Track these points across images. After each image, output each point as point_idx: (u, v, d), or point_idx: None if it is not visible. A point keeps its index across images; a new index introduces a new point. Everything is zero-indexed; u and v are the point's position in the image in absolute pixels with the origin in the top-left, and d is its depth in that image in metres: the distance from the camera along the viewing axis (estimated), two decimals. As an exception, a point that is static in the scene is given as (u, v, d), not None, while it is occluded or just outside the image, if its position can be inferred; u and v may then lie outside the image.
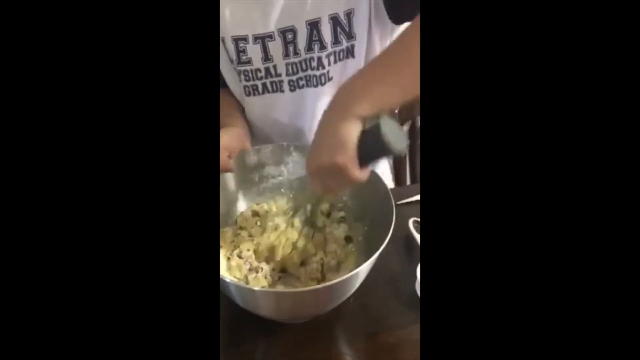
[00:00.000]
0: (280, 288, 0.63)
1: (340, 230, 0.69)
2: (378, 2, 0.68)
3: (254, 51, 0.73)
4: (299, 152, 0.74)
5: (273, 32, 0.71)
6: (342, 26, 0.69)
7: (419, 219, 0.75)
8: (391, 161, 1.07)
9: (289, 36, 0.71)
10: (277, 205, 0.75)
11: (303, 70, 0.74)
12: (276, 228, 0.67)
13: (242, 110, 0.83)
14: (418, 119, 1.04)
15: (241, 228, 0.71)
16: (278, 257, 0.65)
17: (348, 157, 0.49)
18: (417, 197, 0.82)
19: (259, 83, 0.77)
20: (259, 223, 0.72)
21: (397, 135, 0.48)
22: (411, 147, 1.09)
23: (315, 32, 0.69)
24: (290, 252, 0.65)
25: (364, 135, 0.49)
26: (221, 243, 0.68)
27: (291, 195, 0.76)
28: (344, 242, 0.69)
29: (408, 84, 0.47)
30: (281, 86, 0.76)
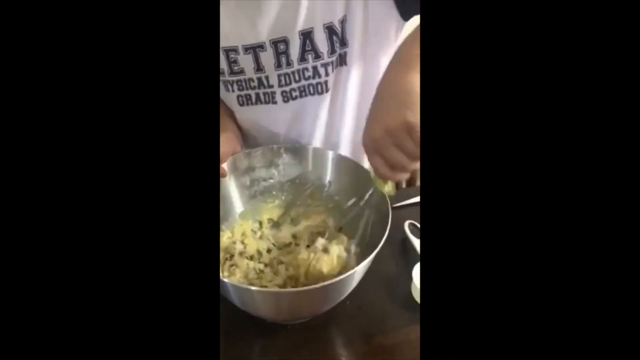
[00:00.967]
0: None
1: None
2: (379, 3, 0.67)
3: (245, 61, 0.72)
4: (289, 153, 0.73)
5: (264, 42, 0.69)
6: (337, 34, 0.68)
7: (414, 222, 0.76)
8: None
9: (281, 47, 0.69)
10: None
11: (296, 81, 0.72)
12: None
13: (232, 114, 0.82)
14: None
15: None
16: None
17: (418, 109, 0.44)
18: (413, 200, 0.82)
19: (252, 92, 0.76)
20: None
21: None
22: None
23: (308, 42, 0.68)
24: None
25: None
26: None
27: (283, 198, 0.76)
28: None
29: None
30: (274, 97, 0.75)
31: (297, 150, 0.74)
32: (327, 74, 0.71)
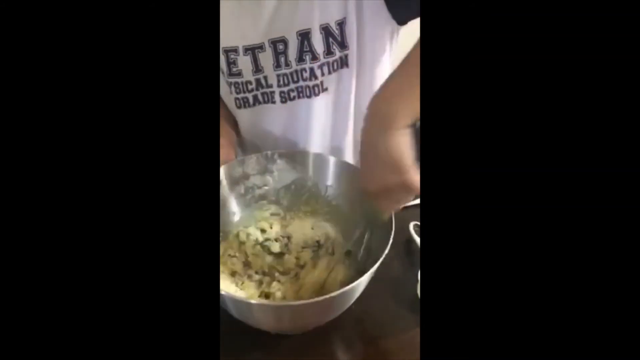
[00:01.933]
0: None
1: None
2: (372, 8, 0.67)
3: (244, 63, 0.72)
4: (283, 159, 0.72)
5: (264, 42, 0.69)
6: (334, 36, 0.68)
7: (419, 223, 0.75)
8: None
9: (280, 47, 0.69)
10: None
11: (294, 82, 0.72)
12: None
13: (227, 118, 0.82)
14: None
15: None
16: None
17: (412, 172, 0.46)
18: (417, 201, 0.81)
19: (249, 95, 0.76)
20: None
21: None
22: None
23: (306, 42, 0.68)
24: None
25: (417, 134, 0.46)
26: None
27: (279, 204, 0.75)
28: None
29: None
30: (272, 97, 0.75)
31: (292, 155, 0.73)
32: (322, 75, 0.71)
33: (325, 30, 0.67)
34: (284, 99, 0.75)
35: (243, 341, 0.60)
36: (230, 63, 0.73)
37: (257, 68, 0.72)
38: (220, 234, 0.71)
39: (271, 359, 0.60)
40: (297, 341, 0.61)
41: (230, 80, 0.75)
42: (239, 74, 0.74)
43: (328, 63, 0.70)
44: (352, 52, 0.70)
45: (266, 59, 0.71)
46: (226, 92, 0.78)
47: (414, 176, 0.47)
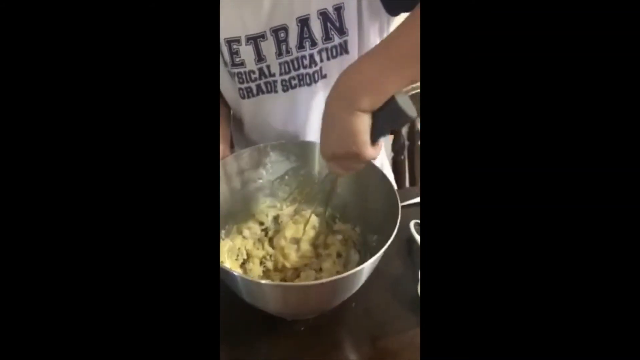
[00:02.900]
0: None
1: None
2: None
3: (246, 52, 0.72)
4: (276, 151, 0.72)
5: (265, 31, 0.70)
6: (332, 21, 0.68)
7: (419, 221, 0.75)
8: (390, 164, 1.06)
9: (281, 35, 0.70)
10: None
11: (295, 69, 0.73)
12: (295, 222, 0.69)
13: (224, 111, 0.82)
14: (418, 120, 1.03)
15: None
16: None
17: (361, 144, 0.49)
18: (418, 200, 0.81)
19: (253, 85, 0.76)
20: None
21: (408, 104, 0.48)
22: (410, 149, 1.09)
23: (305, 29, 0.69)
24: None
25: (377, 113, 0.48)
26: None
27: (275, 196, 0.75)
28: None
29: (410, 73, 0.45)
30: (275, 86, 0.75)
31: (284, 147, 0.73)
32: (321, 61, 0.71)
33: (323, 15, 0.68)
34: (285, 88, 0.75)
35: (247, 334, 0.61)
36: (233, 53, 0.73)
37: (260, 57, 0.73)
38: (222, 232, 0.72)
39: (273, 355, 0.61)
40: (299, 337, 0.61)
41: (233, 70, 0.75)
42: (242, 64, 0.74)
43: (327, 49, 0.70)
44: (353, 39, 0.70)
45: (268, 47, 0.71)
46: (231, 84, 0.78)
47: (366, 150, 0.49)
